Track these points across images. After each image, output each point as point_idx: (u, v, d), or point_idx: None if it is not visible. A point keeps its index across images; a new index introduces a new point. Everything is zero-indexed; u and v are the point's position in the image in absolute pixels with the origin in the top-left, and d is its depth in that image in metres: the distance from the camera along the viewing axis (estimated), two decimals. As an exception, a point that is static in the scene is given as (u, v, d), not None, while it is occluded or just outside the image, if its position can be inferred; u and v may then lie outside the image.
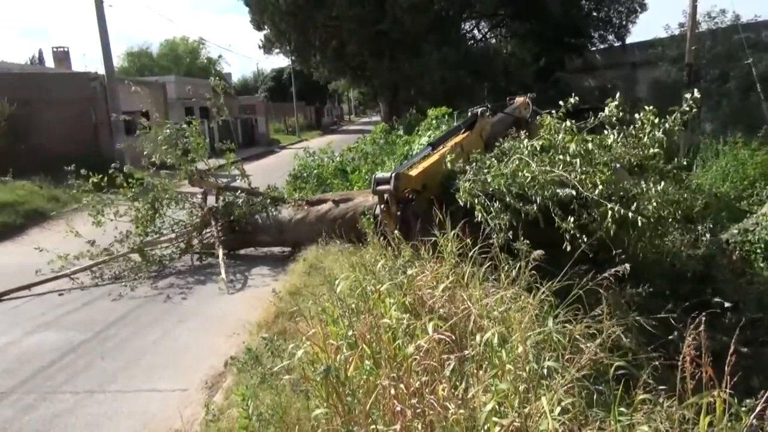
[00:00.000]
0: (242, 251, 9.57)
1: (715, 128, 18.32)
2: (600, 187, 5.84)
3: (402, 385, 2.49)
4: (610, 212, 5.66)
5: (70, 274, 8.20)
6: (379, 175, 6.75)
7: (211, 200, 9.72)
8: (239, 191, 9.59)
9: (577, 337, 3.39)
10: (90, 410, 4.55)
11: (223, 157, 10.18)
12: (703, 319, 7.36)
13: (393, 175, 6.50)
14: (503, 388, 2.29)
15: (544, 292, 3.79)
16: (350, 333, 2.97)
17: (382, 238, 5.83)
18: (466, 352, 2.70)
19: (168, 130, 9.56)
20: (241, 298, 7.19)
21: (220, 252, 8.52)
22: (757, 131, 14.31)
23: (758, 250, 8.76)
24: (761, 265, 8.63)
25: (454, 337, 2.79)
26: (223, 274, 7.86)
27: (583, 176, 6.00)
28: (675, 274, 9.20)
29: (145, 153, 9.72)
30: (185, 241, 9.22)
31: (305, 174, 12.20)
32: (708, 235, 9.67)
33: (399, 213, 6.40)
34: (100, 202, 9.11)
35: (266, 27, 26.93)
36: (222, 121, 28.55)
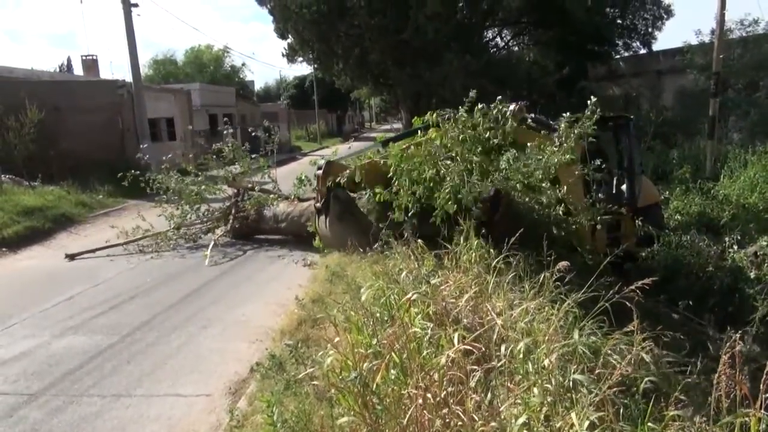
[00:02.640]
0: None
1: (743, 138, 18.00)
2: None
3: (429, 395, 2.49)
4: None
5: (122, 244, 10.52)
6: (321, 161, 9.06)
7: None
8: (258, 190, 11.63)
9: (609, 351, 3.37)
10: (116, 414, 4.61)
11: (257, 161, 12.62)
12: (734, 335, 7.22)
13: (325, 162, 8.93)
14: (536, 402, 2.28)
15: (569, 303, 3.77)
16: (376, 342, 2.97)
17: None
18: (493, 363, 2.68)
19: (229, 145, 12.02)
20: (263, 304, 7.24)
21: (219, 234, 10.82)
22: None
23: (788, 263, 8.58)
24: (790, 277, 8.44)
25: (483, 349, 2.78)
26: (208, 251, 9.65)
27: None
28: (702, 286, 9.05)
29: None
30: (213, 225, 11.41)
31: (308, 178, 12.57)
32: (735, 247, 9.50)
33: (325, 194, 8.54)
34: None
35: (290, 36, 27.21)
36: (246, 129, 29.09)
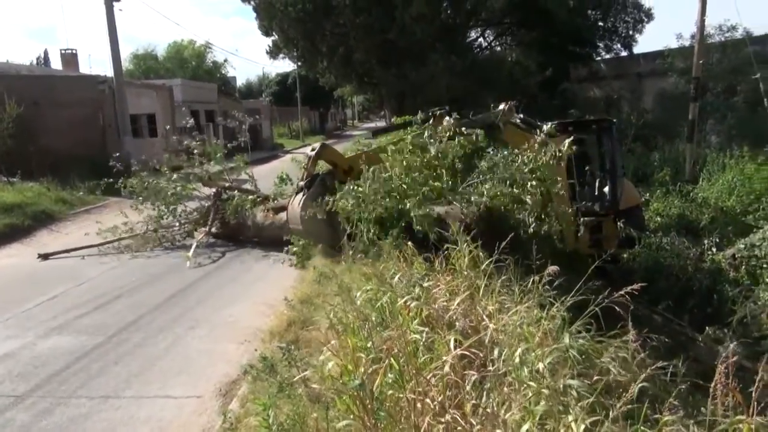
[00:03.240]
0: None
1: (721, 141, 18.37)
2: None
3: (428, 400, 2.54)
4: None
5: (98, 245, 10.32)
6: (316, 144, 9.73)
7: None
8: (237, 191, 11.37)
9: (599, 355, 3.45)
10: (106, 416, 4.58)
11: (233, 159, 12.50)
12: (713, 335, 7.31)
13: (321, 144, 9.62)
14: (539, 409, 2.33)
15: (558, 307, 3.85)
16: (376, 347, 3.00)
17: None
18: (490, 368, 2.73)
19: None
20: (250, 305, 7.23)
21: (201, 237, 10.43)
22: (764, 146, 14.35)
23: (765, 265, 8.79)
24: (767, 280, 8.65)
25: (481, 354, 2.83)
26: (191, 253, 9.45)
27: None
28: (681, 288, 9.24)
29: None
30: (192, 227, 11.32)
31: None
32: (714, 249, 9.71)
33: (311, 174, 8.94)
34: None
35: (274, 33, 27.06)
36: (226, 126, 28.96)
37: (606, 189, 11.42)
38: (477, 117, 10.20)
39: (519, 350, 2.84)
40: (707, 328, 8.13)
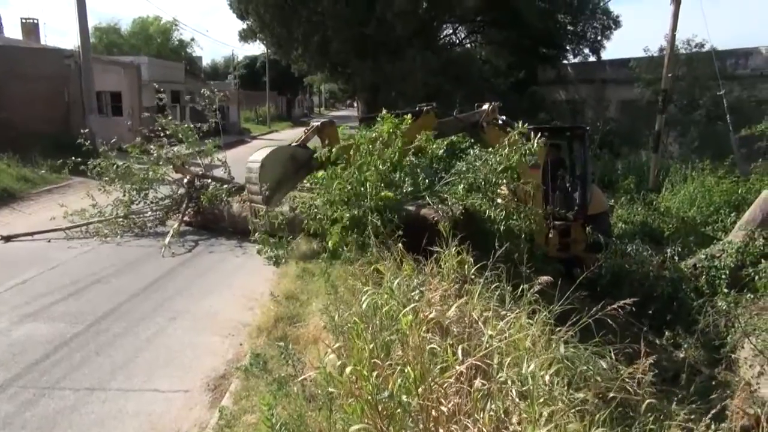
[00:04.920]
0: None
1: (683, 152, 19.08)
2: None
3: (443, 408, 2.65)
4: None
5: (65, 229, 10.02)
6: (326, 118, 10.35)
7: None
8: (212, 180, 11.21)
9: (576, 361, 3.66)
10: (92, 408, 4.54)
11: (204, 142, 12.03)
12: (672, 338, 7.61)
13: (329, 120, 9.87)
14: (573, 428, 2.47)
15: (546, 315, 4.03)
16: (395, 356, 3.10)
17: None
18: (500, 377, 2.86)
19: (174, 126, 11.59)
20: (231, 297, 7.22)
21: (176, 225, 10.16)
22: (724, 158, 14.99)
23: (723, 276, 9.24)
24: (725, 290, 9.11)
25: (490, 363, 2.96)
26: (167, 241, 9.29)
27: None
28: (643, 293, 9.63)
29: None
30: (164, 214, 11.10)
31: None
32: (676, 258, 10.15)
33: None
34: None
35: (250, 17, 26.61)
36: (194, 107, 28.41)
37: (576, 194, 11.78)
38: (461, 115, 10.36)
39: (525, 360, 2.97)
40: (666, 332, 8.55)
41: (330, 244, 6.45)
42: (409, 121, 8.41)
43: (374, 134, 7.89)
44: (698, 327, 7.51)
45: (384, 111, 8.30)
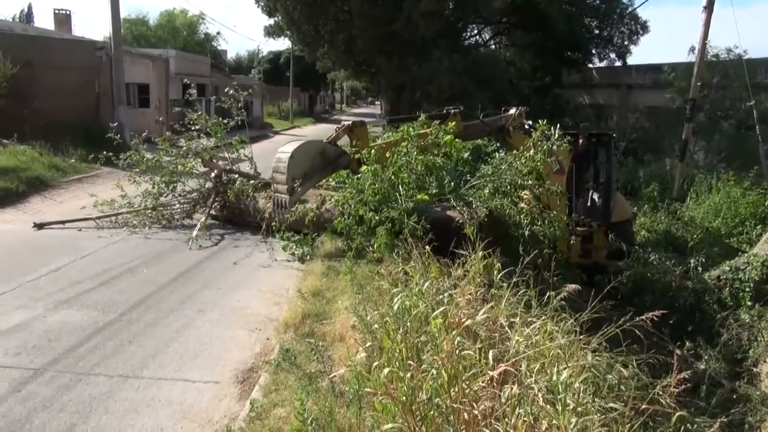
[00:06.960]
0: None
1: (709, 162, 18.84)
2: None
3: (476, 411, 2.73)
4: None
5: (95, 218, 10.32)
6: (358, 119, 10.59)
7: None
8: (239, 175, 11.37)
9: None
10: (127, 395, 4.69)
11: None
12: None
13: (360, 120, 10.33)
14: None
15: (572, 323, 4.08)
16: (430, 360, 3.19)
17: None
18: (530, 382, 2.94)
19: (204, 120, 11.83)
20: (257, 292, 7.36)
21: (203, 218, 10.33)
22: (750, 169, 14.79)
23: (747, 289, 9.18)
24: (748, 303, 9.05)
25: (519, 369, 3.04)
26: (194, 234, 9.48)
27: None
28: (666, 303, 9.60)
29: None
30: (191, 207, 11.29)
31: None
32: (700, 269, 10.10)
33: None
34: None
35: (277, 14, 26.82)
36: (218, 101, 28.64)
37: (599, 200, 11.76)
38: (487, 119, 10.39)
39: (553, 367, 3.04)
40: (687, 342, 8.53)
41: (376, 245, 6.61)
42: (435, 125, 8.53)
43: (409, 137, 8.02)
44: (721, 339, 7.46)
45: (415, 113, 8.44)
